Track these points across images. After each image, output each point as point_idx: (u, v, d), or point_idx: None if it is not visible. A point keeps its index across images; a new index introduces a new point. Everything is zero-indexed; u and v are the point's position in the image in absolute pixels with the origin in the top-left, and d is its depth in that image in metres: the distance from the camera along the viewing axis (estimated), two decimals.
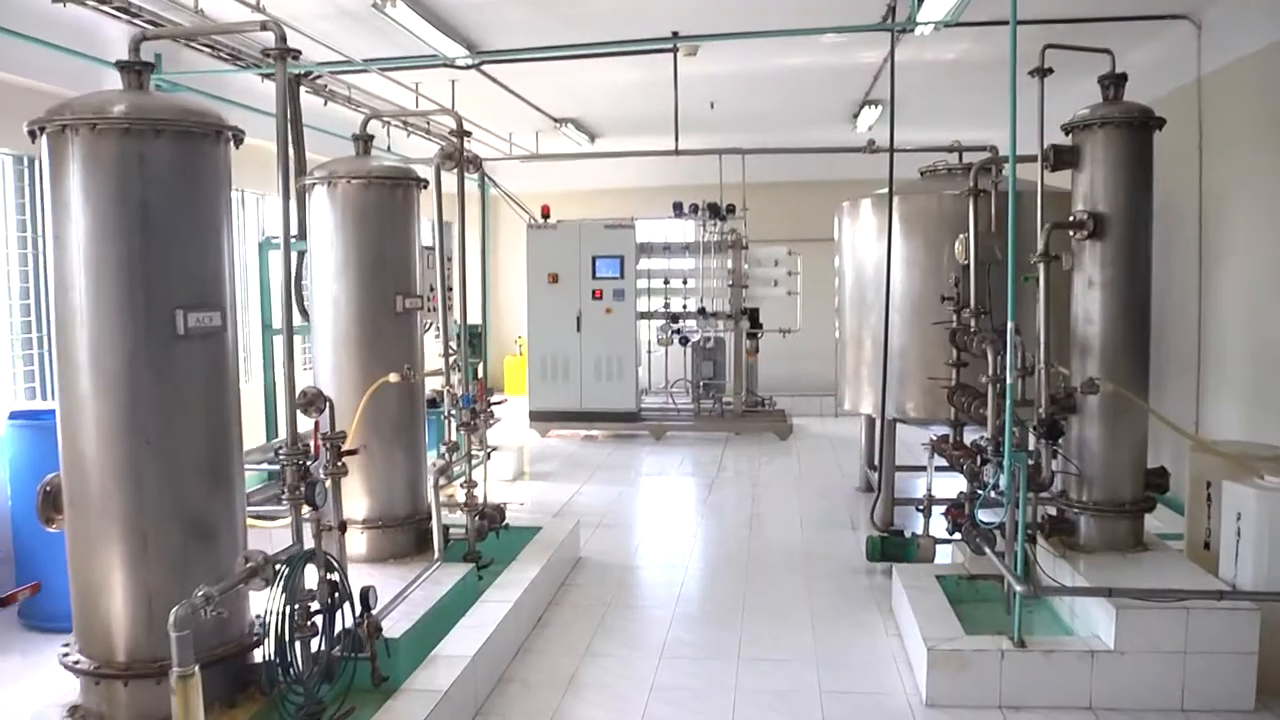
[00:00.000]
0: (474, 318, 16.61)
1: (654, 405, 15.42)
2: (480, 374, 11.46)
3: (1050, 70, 5.95)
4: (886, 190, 8.79)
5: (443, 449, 7.27)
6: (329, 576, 4.81)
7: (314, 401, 4.94)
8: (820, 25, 8.07)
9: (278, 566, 4.40)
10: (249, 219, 11.72)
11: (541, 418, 14.57)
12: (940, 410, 8.28)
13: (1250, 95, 8.05)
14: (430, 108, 10.85)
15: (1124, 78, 6.21)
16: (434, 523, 6.84)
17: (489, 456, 11.59)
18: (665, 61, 9.75)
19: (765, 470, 12.11)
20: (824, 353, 16.31)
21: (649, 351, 15.07)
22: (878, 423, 9.40)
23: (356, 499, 7.05)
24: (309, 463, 4.72)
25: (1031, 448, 5.72)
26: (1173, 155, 6.20)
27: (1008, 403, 5.27)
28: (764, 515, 9.83)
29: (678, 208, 14.61)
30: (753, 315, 14.78)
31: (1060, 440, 5.89)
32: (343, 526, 5.14)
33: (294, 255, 5.22)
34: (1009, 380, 5.27)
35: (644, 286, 14.64)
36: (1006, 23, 8.00)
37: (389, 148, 12.85)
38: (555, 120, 13.10)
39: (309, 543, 4.73)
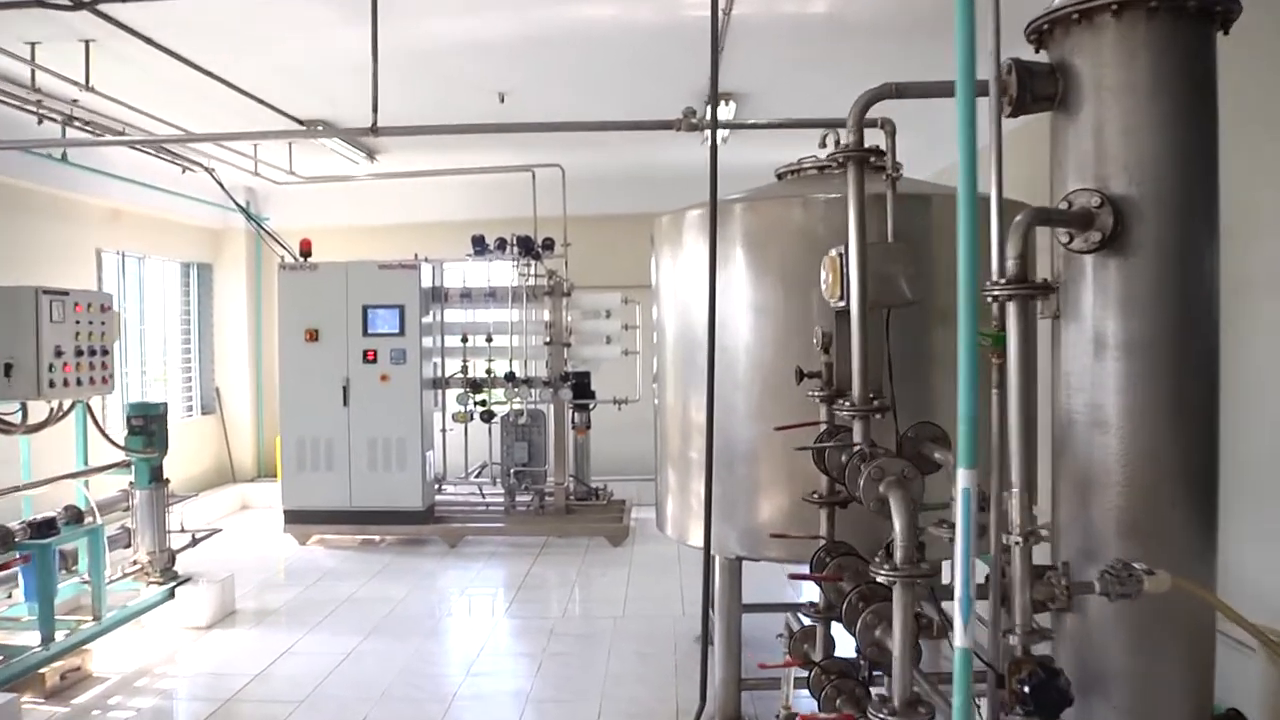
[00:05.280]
0: (157, 391, 12.90)
1: (456, 499, 11.89)
2: (160, 475, 7.95)
3: None
4: (710, 200, 5.60)
5: None
6: None
7: None
8: None
9: None
10: None
11: (299, 519, 10.95)
12: (802, 544, 5.08)
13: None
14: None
15: None
16: None
17: (172, 594, 8.01)
18: (402, 9, 6.44)
19: (578, 600, 8.73)
20: None
21: (444, 430, 11.57)
22: (717, 559, 6.09)
23: None
24: None
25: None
26: None
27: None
28: (546, 700, 6.40)
29: (478, 243, 11.24)
30: (580, 381, 11.46)
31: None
32: None
33: None
34: (962, 642, 1.92)
35: (434, 345, 11.22)
36: None
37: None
38: (301, 123, 9.63)
39: None
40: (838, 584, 3.63)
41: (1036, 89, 2.99)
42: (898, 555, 2.73)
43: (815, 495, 4.14)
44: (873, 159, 3.72)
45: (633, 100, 9.16)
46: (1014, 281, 2.65)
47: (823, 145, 6.46)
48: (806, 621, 4.13)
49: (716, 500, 5.93)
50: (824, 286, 4.00)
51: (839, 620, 3.74)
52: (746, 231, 5.84)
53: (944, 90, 3.04)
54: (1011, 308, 2.68)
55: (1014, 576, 2.65)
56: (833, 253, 3.88)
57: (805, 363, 5.62)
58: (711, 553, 6.31)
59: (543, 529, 11.10)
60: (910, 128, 6.25)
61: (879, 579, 2.82)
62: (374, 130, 6.27)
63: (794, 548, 5.71)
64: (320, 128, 9.69)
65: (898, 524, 2.76)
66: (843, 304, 3.70)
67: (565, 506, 11.29)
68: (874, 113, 4.07)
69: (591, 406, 11.73)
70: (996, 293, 2.68)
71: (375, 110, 6.27)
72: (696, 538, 6.18)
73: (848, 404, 3.63)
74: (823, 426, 4.08)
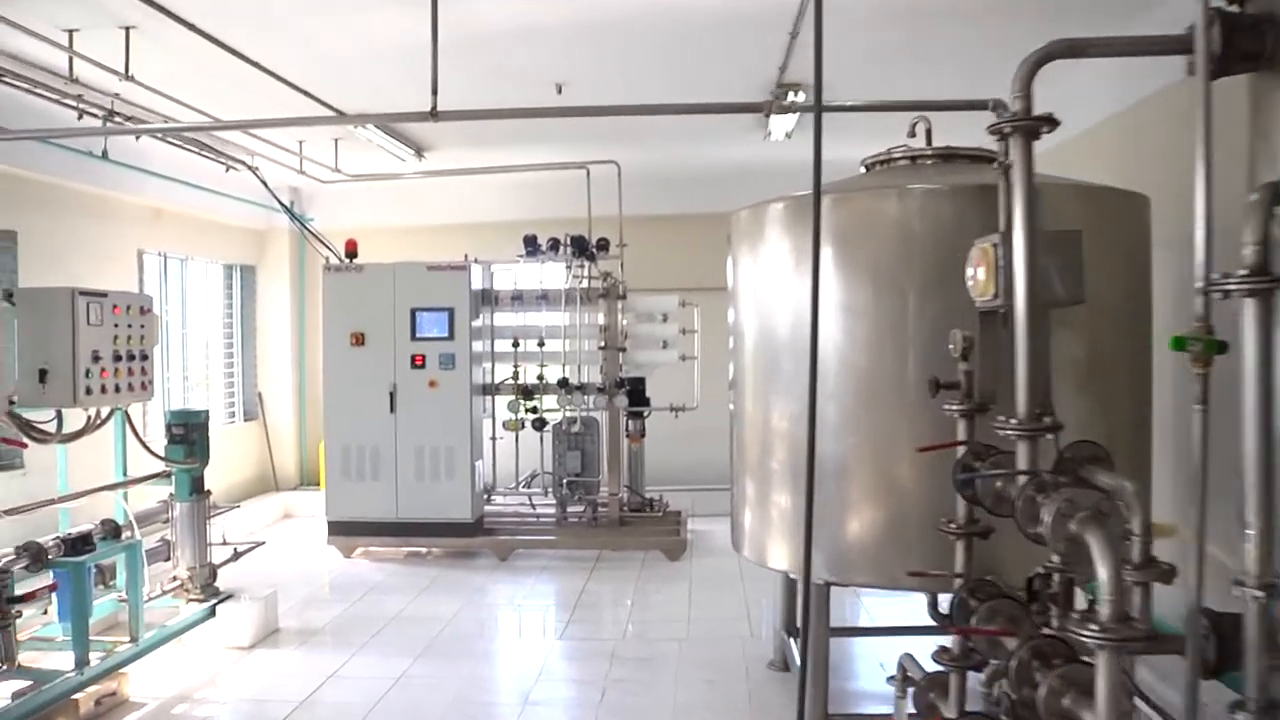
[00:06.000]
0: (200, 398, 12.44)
1: (505, 510, 11.45)
2: (201, 486, 7.58)
3: None
4: (799, 194, 5.17)
5: None
6: None
7: None
8: None
9: None
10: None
11: (343, 531, 10.54)
12: (901, 566, 4.66)
13: None
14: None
15: None
16: None
17: (213, 611, 7.62)
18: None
19: (638, 621, 8.23)
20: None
21: (493, 438, 11.12)
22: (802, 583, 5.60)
23: None
24: None
25: None
26: None
27: None
28: None
29: (531, 244, 10.82)
30: (635, 388, 10.99)
31: None
32: None
33: None
34: None
35: (484, 349, 10.79)
36: None
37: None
38: (348, 117, 9.23)
39: None
40: (995, 644, 3.10)
41: (1242, 46, 2.49)
42: (1104, 611, 2.22)
43: (949, 524, 3.64)
44: (1045, 129, 3.18)
45: (695, 93, 8.66)
46: (1255, 273, 2.15)
47: (912, 134, 6.00)
48: (933, 666, 3.62)
49: (799, 517, 5.46)
50: (971, 283, 3.49)
51: (977, 670, 3.25)
52: (835, 226, 5.35)
53: (1129, 47, 2.55)
54: (1250, 305, 2.18)
55: (1248, 638, 2.15)
56: (984, 243, 3.36)
57: (899, 370, 5.16)
58: (793, 576, 5.84)
59: (596, 542, 10.64)
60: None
61: (1084, 641, 2.30)
62: (434, 114, 5.80)
63: (886, 573, 5.25)
64: (370, 126, 9.31)
65: (1103, 572, 2.25)
66: (996, 302, 3.19)
67: (619, 518, 10.82)
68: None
69: (646, 414, 11.27)
70: (1230, 287, 2.19)
71: (435, 93, 5.80)
72: (778, 559, 5.70)
73: (1012, 421, 3.11)
74: (961, 445, 3.53)
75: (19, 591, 5.85)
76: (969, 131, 6.18)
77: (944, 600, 6.14)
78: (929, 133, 5.94)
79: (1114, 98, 7.31)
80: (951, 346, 3.59)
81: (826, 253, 5.36)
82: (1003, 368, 3.17)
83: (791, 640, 6.65)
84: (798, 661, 6.26)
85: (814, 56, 4.08)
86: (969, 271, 3.52)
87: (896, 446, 5.17)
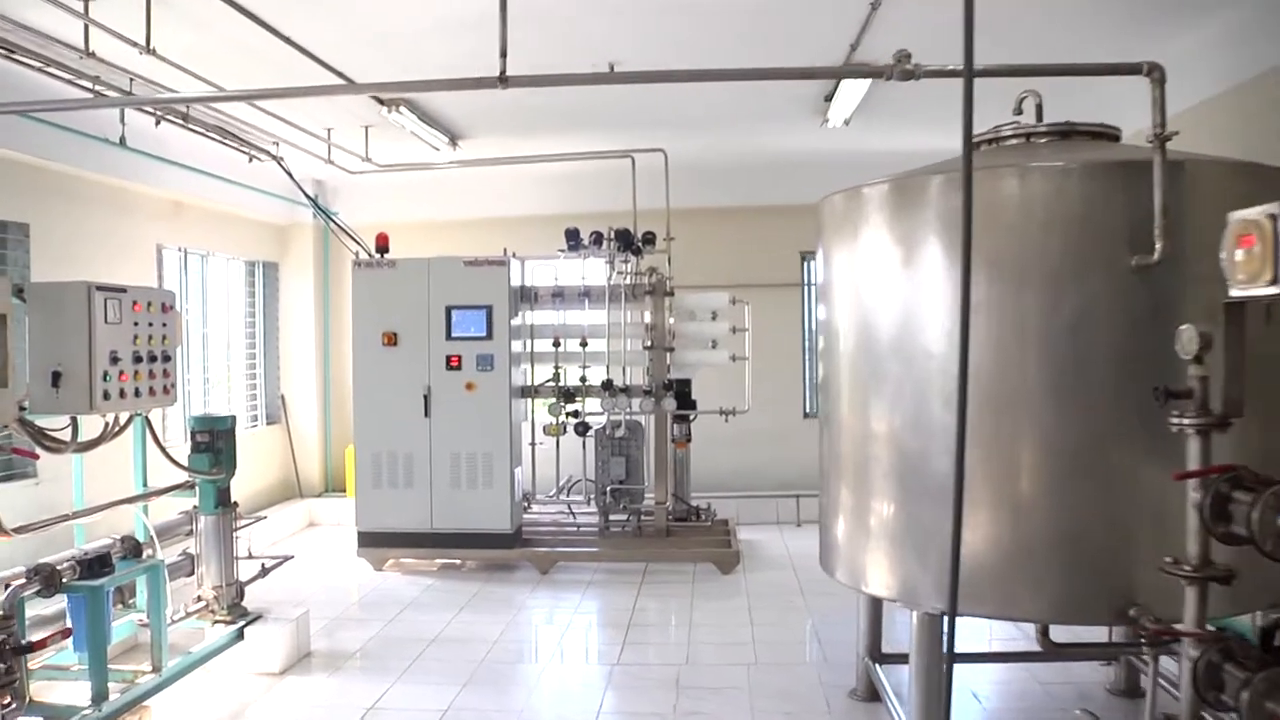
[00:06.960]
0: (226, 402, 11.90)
1: (544, 519, 10.84)
2: (227, 498, 7.00)
3: None
4: (902, 176, 4.66)
5: None
6: None
7: None
8: None
9: None
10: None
11: (374, 542, 9.94)
12: (1029, 594, 4.08)
13: None
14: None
15: None
16: None
17: (241, 634, 7.03)
18: None
19: (699, 643, 7.57)
20: (783, 436, 11.94)
21: (533, 443, 10.51)
22: (913, 614, 4.96)
23: None
24: None
25: None
26: None
27: None
28: None
29: (573, 237, 10.19)
30: (680, 390, 10.37)
31: None
32: None
33: None
34: None
35: (523, 350, 10.20)
36: None
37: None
38: (382, 103, 8.64)
39: None
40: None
41: None
42: None
43: (1177, 564, 3.01)
44: None
45: (746, 59, 7.98)
46: None
47: (1018, 111, 5.41)
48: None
49: (906, 535, 4.87)
50: (1227, 265, 2.86)
51: None
52: (947, 211, 4.74)
53: None
54: None
55: None
56: (1253, 214, 2.71)
57: (1024, 373, 4.56)
58: (891, 599, 5.24)
59: (642, 553, 10.01)
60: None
61: None
62: (503, 79, 5.13)
63: (1014, 604, 4.63)
64: (403, 110, 8.71)
65: None
66: (1274, 290, 2.57)
67: (666, 528, 10.21)
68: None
69: (693, 417, 10.66)
70: None
71: (504, 55, 5.13)
72: (880, 583, 5.07)
73: None
74: (1222, 470, 2.88)
75: (29, 613, 5.31)
76: (1061, 110, 5.57)
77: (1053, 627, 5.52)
78: (1039, 107, 5.36)
79: (1230, 68, 6.72)
80: (1180, 347, 2.97)
81: (933, 241, 4.79)
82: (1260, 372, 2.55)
83: (879, 668, 6.02)
84: (889, 693, 5.68)
85: (964, 13, 3.48)
86: (1223, 253, 2.89)
87: (1022, 460, 4.57)
